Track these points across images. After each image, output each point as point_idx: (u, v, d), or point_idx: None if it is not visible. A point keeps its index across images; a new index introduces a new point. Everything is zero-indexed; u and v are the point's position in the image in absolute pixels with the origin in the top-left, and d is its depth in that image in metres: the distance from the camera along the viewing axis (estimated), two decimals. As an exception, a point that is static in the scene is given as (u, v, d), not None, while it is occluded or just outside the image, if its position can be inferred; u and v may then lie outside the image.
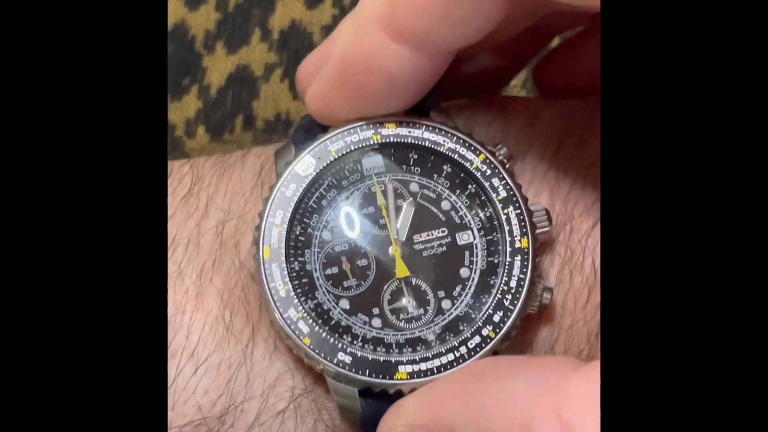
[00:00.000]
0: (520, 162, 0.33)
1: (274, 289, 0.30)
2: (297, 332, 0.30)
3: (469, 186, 0.32)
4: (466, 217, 0.32)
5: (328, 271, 0.31)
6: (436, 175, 0.32)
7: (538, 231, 0.31)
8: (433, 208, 0.32)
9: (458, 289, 0.31)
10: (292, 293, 0.30)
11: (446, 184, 0.32)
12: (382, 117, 0.32)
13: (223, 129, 0.48)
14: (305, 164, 0.32)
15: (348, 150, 0.32)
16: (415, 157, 0.32)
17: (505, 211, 0.32)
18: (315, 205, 0.31)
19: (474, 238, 0.32)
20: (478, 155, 0.32)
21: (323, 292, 0.31)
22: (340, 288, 0.31)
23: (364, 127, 0.32)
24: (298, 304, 0.30)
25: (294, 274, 0.31)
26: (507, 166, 0.32)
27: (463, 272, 0.31)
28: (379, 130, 0.32)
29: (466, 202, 0.32)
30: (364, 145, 0.32)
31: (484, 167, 0.32)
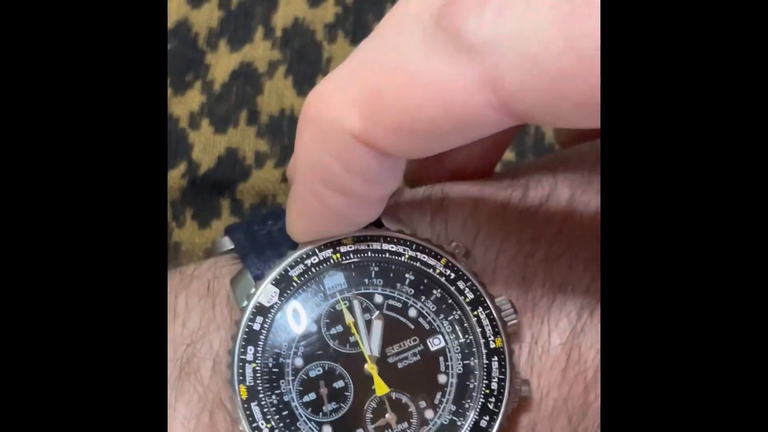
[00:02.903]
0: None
1: (257, 429, 0.31)
2: None
3: (434, 291, 0.32)
4: (435, 321, 0.31)
5: (306, 399, 0.31)
6: (399, 284, 0.32)
7: (508, 325, 0.31)
8: (400, 318, 0.32)
9: (438, 396, 0.31)
10: (276, 430, 0.31)
11: (410, 291, 0.32)
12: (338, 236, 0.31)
13: (228, 122, 0.48)
14: (268, 294, 0.31)
15: (309, 273, 0.31)
16: (377, 269, 0.32)
17: (475, 313, 0.31)
18: (283, 333, 0.31)
19: (446, 342, 0.31)
20: (439, 260, 0.31)
21: (304, 420, 0.31)
22: (321, 414, 0.31)
23: (322, 247, 0.32)
24: None
25: (273, 409, 0.31)
26: (468, 263, 0.31)
27: (441, 378, 0.31)
28: (338, 248, 0.32)
29: (433, 308, 0.32)
30: (324, 265, 0.32)
31: (448, 271, 0.31)
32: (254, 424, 0.31)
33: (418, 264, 0.31)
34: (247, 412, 0.31)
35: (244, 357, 0.31)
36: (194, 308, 0.33)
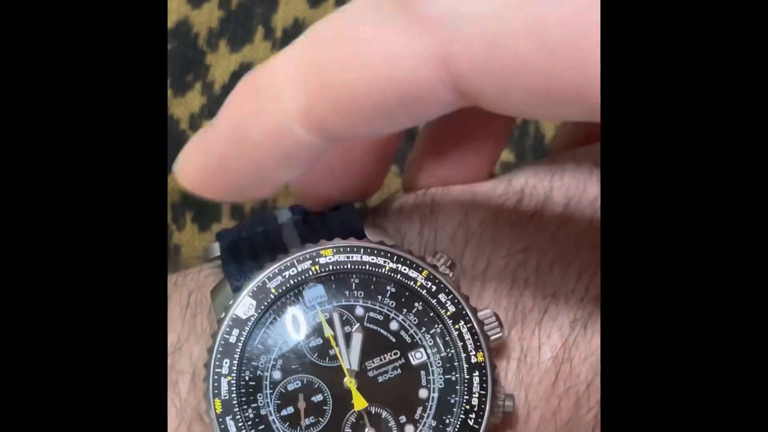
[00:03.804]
0: (459, 263, 0.32)
1: None
2: None
3: (416, 304, 0.31)
4: (417, 335, 0.31)
5: (284, 413, 0.30)
6: (380, 297, 0.31)
7: (491, 340, 0.30)
8: (381, 331, 0.31)
9: (419, 411, 0.30)
10: None
11: (392, 304, 0.31)
12: (318, 246, 0.31)
13: None
14: (245, 306, 0.31)
15: (287, 285, 0.31)
16: (357, 281, 0.31)
17: (456, 326, 0.30)
18: (261, 346, 0.31)
19: (428, 356, 0.31)
20: (421, 272, 0.31)
21: None
22: (299, 429, 0.30)
23: (301, 258, 0.31)
24: None
25: (249, 423, 0.30)
26: (451, 276, 0.31)
27: (422, 393, 0.31)
28: (317, 260, 0.31)
29: (415, 320, 0.31)
30: (303, 277, 0.31)
31: (429, 284, 0.31)
32: None
33: (398, 276, 0.31)
34: (222, 427, 0.30)
35: (219, 370, 0.30)
36: (175, 319, 0.33)
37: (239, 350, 0.30)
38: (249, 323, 0.31)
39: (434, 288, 0.31)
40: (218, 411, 0.30)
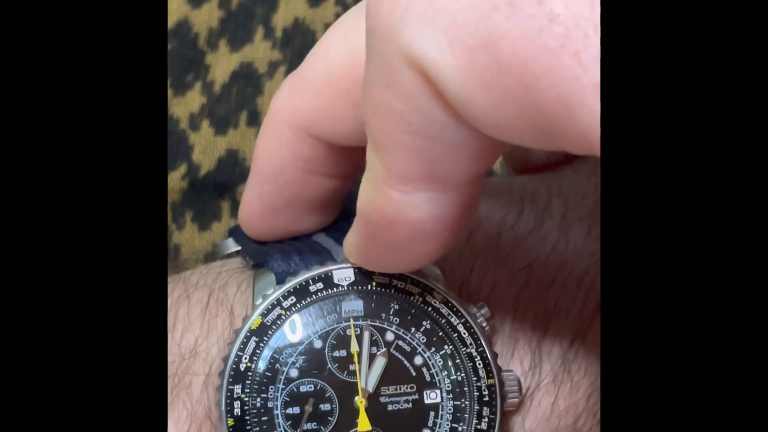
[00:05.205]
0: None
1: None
2: None
3: (446, 347, 0.31)
4: (437, 376, 0.31)
5: (289, 410, 0.30)
6: (413, 329, 0.31)
7: (507, 403, 0.31)
8: (405, 361, 0.31)
9: None
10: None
11: (423, 339, 0.31)
12: None
13: (228, 124, 0.47)
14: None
15: (329, 291, 0.31)
16: (396, 307, 0.31)
17: (478, 383, 0.31)
18: (287, 341, 0.31)
19: (441, 399, 0.31)
20: (460, 318, 0.31)
21: (281, 431, 0.30)
22: (299, 430, 0.30)
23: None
24: None
25: (255, 411, 0.30)
26: (486, 328, 0.31)
27: None
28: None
29: (440, 362, 0.31)
30: (346, 287, 0.31)
31: (464, 332, 0.31)
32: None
33: (436, 315, 0.31)
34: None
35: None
36: (195, 319, 0.32)
37: (268, 337, 0.31)
38: (281, 320, 0.31)
39: (468, 338, 0.31)
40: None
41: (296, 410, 0.30)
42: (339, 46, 0.29)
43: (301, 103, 0.30)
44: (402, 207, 0.26)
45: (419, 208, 0.26)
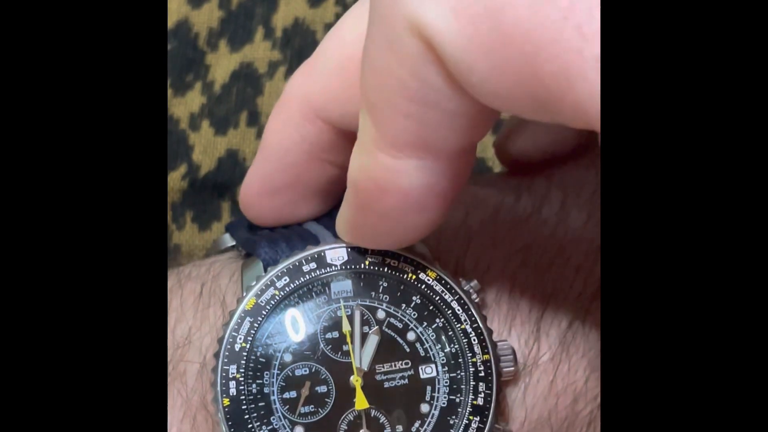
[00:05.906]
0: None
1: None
2: None
3: (438, 321, 0.31)
4: (431, 350, 0.31)
5: (286, 395, 0.30)
6: (404, 305, 0.31)
7: (503, 373, 0.31)
8: (398, 338, 0.31)
9: (417, 424, 0.31)
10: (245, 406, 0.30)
11: (414, 315, 0.31)
12: None
13: (228, 124, 0.47)
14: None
15: (317, 273, 0.31)
16: (385, 285, 0.31)
17: (474, 359, 0.31)
18: (279, 327, 0.31)
19: (437, 372, 0.31)
20: (452, 293, 0.31)
21: (279, 416, 0.30)
22: (297, 414, 0.30)
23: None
24: (253, 429, 0.30)
25: (251, 398, 0.30)
26: (476, 300, 0.31)
27: (423, 408, 0.31)
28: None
29: (433, 336, 0.31)
30: (334, 269, 0.31)
31: (457, 306, 0.31)
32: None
33: (427, 290, 0.31)
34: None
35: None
36: (188, 309, 0.33)
37: (259, 322, 0.31)
38: (274, 300, 0.31)
39: (461, 312, 0.31)
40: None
41: (293, 394, 0.31)
42: (352, 29, 0.30)
43: (313, 84, 0.31)
44: (393, 173, 0.26)
45: (410, 176, 0.26)
